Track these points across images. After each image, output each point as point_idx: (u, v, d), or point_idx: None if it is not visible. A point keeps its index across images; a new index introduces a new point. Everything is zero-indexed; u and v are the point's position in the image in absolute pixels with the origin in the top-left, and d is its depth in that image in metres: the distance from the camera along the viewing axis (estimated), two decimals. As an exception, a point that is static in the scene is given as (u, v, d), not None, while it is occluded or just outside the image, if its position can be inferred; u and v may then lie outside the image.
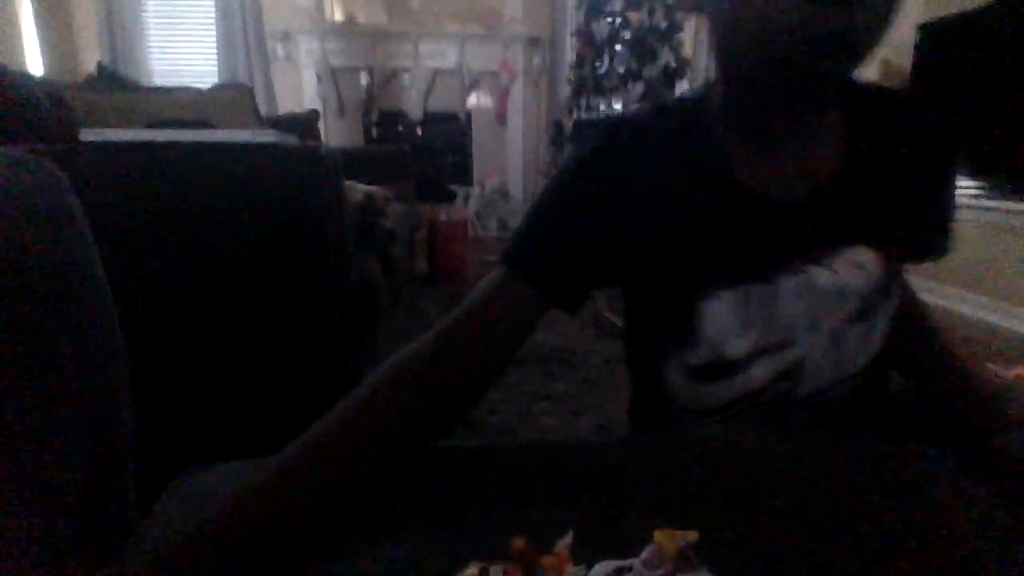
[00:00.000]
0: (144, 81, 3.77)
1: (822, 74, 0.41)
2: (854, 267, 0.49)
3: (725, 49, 0.46)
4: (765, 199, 0.48)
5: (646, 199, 0.49)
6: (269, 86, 4.04)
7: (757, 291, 0.49)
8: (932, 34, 2.97)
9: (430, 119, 4.44)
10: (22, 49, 3.35)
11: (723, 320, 0.49)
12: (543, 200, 0.52)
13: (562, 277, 0.51)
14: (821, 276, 0.48)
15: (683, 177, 0.49)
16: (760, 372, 0.51)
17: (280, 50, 4.15)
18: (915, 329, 0.60)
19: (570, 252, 0.50)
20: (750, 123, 0.48)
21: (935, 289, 2.59)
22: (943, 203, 0.56)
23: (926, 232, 0.55)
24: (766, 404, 0.52)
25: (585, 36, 3.91)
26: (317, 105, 4.07)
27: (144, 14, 3.91)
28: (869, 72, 3.51)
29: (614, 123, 0.54)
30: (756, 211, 0.48)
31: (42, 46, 3.49)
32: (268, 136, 0.99)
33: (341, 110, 4.29)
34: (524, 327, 0.50)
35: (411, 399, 0.42)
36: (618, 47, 3.79)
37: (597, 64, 3.88)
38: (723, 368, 0.51)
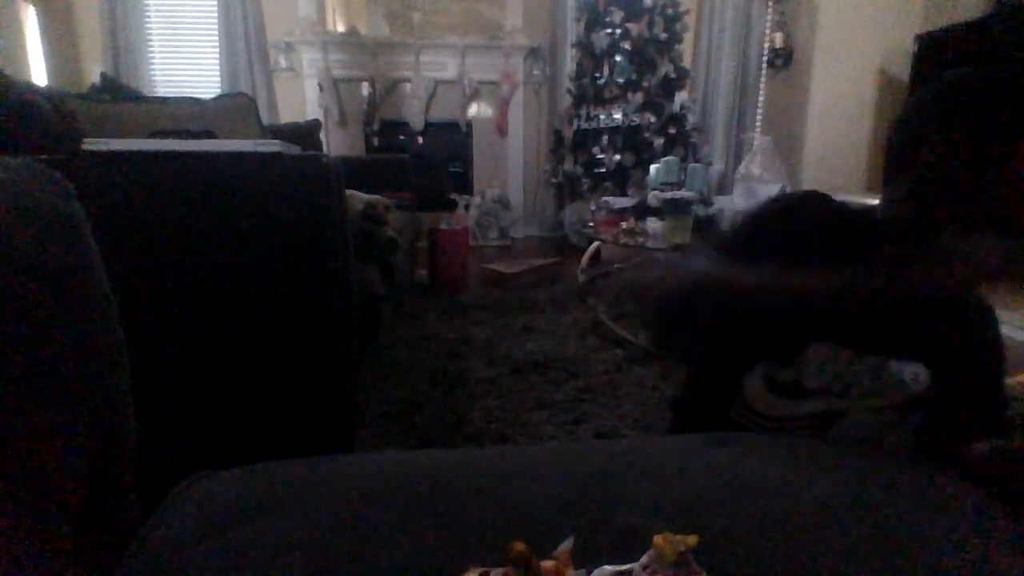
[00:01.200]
0: (147, 91, 3.80)
1: None
2: (913, 372, 0.67)
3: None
4: None
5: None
6: (271, 96, 4.07)
7: (845, 353, 0.67)
8: (929, 44, 2.99)
9: (431, 129, 4.47)
10: (27, 60, 3.38)
11: (816, 359, 0.68)
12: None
13: None
14: (895, 364, 0.66)
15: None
16: (814, 405, 0.69)
17: (282, 60, 4.18)
18: None
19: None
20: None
21: (935, 298, 2.59)
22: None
23: None
24: (800, 431, 0.70)
25: (585, 47, 3.94)
26: (319, 115, 4.10)
27: (147, 25, 3.95)
28: (868, 81, 3.48)
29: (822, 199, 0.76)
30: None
31: (47, 57, 3.52)
32: (270, 145, 1.00)
33: (343, 120, 4.31)
34: None
35: None
36: (618, 58, 3.82)
37: (597, 75, 3.91)
38: (794, 389, 0.69)
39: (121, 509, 0.43)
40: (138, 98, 2.22)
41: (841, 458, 0.46)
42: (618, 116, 3.87)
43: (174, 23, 4.03)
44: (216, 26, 3.93)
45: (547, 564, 0.30)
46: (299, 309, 0.99)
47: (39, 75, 3.47)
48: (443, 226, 2.90)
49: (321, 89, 4.20)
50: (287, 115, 4.06)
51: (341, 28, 4.28)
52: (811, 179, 3.81)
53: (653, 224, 2.50)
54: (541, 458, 0.47)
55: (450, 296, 2.75)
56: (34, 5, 3.43)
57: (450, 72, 4.33)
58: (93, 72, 3.61)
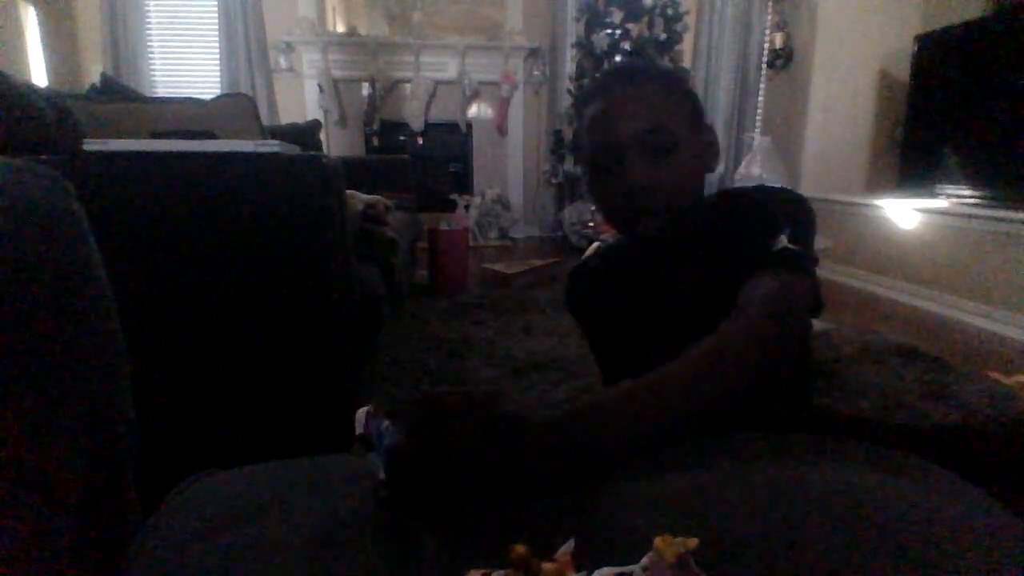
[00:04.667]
0: (147, 92, 3.80)
1: (651, 234, 0.64)
2: None
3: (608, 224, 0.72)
4: (665, 305, 0.71)
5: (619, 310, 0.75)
6: (271, 96, 4.07)
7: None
8: (929, 44, 2.99)
9: (431, 129, 4.47)
10: (27, 60, 3.38)
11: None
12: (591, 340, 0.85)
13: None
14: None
15: (628, 299, 0.75)
16: None
17: (282, 61, 4.18)
18: None
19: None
20: (644, 261, 0.74)
21: (936, 297, 2.59)
22: None
23: None
24: None
25: (585, 47, 3.94)
26: (319, 115, 4.10)
27: (147, 25, 3.95)
28: (868, 82, 3.49)
29: (576, 273, 0.86)
30: (664, 312, 0.70)
31: (47, 57, 3.52)
32: (270, 146, 1.00)
33: (343, 120, 4.31)
34: None
35: None
36: (618, 58, 3.82)
37: (597, 75, 3.91)
38: None
39: (121, 509, 0.43)
40: (138, 98, 2.22)
41: (843, 457, 0.45)
42: (618, 116, 3.86)
43: (174, 23, 4.03)
44: (216, 26, 3.93)
45: (548, 566, 0.30)
46: (299, 309, 0.99)
47: (39, 75, 3.46)
48: (443, 226, 2.90)
49: (321, 90, 4.20)
50: (287, 116, 4.06)
51: (341, 28, 4.28)
52: (811, 179, 3.81)
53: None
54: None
55: (450, 296, 2.75)
56: (34, 5, 3.43)
57: (450, 72, 4.33)
58: (93, 72, 3.61)
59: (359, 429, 0.40)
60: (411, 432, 0.37)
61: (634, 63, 0.71)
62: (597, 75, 0.67)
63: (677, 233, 0.66)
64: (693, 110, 0.67)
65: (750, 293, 0.57)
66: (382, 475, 0.37)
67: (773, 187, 0.71)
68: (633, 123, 0.62)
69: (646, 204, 0.62)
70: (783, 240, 0.61)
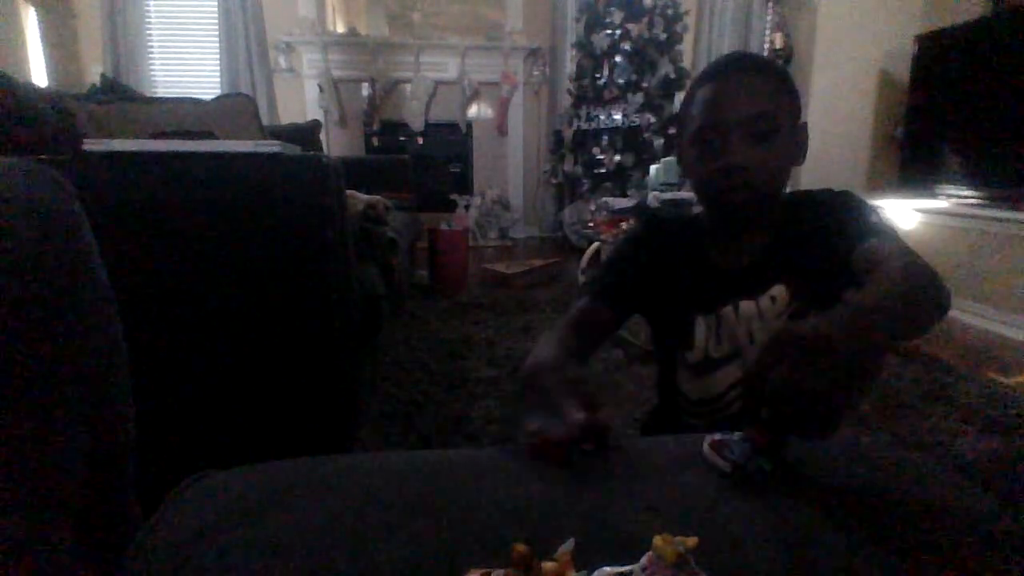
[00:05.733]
0: (147, 92, 3.80)
1: (739, 208, 0.72)
2: (770, 298, 0.74)
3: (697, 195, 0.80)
4: (721, 269, 0.79)
5: (670, 265, 0.82)
6: (271, 97, 4.07)
7: (718, 316, 0.77)
8: (929, 45, 2.99)
9: (431, 129, 4.47)
10: (27, 60, 3.38)
11: (703, 332, 0.78)
12: (613, 258, 0.87)
13: (623, 305, 0.82)
14: (745, 305, 0.75)
15: (687, 257, 0.82)
16: (730, 371, 0.77)
17: (282, 61, 4.18)
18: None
19: (628, 290, 0.82)
20: (716, 232, 0.81)
21: (935, 298, 2.59)
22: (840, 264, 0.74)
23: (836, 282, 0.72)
24: (734, 399, 0.78)
25: (585, 47, 3.94)
26: (319, 115, 4.10)
27: (147, 25, 3.95)
28: (868, 82, 3.49)
29: (653, 217, 0.93)
30: (715, 276, 0.79)
31: (47, 57, 3.52)
32: (270, 146, 1.00)
33: (343, 120, 4.31)
34: (608, 328, 0.83)
35: (571, 343, 0.74)
36: (618, 58, 3.82)
37: (597, 75, 3.91)
38: (710, 365, 0.78)
39: (121, 509, 0.43)
40: (138, 98, 2.22)
41: (841, 456, 0.45)
42: (618, 117, 3.87)
43: (174, 24, 4.03)
44: (216, 26, 3.93)
45: (548, 565, 0.30)
46: (299, 309, 0.99)
47: (39, 76, 3.46)
48: (443, 226, 2.90)
49: (321, 90, 4.19)
50: (287, 116, 4.06)
51: (341, 28, 4.28)
52: (811, 179, 3.81)
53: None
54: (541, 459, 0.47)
55: (450, 296, 2.75)
56: (34, 6, 3.43)
57: (450, 73, 4.33)
58: (93, 73, 3.62)
59: (722, 464, 0.44)
60: (779, 422, 0.42)
61: (749, 54, 0.80)
62: (711, 61, 0.73)
63: (761, 209, 0.73)
64: (795, 106, 0.74)
65: (881, 247, 0.63)
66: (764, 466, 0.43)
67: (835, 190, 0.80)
68: (743, 107, 0.69)
69: (740, 181, 0.69)
70: (876, 216, 0.70)
